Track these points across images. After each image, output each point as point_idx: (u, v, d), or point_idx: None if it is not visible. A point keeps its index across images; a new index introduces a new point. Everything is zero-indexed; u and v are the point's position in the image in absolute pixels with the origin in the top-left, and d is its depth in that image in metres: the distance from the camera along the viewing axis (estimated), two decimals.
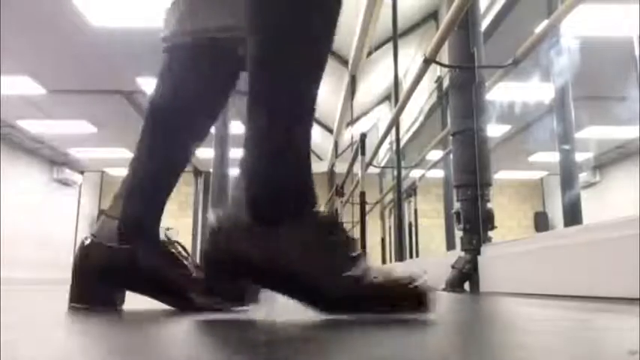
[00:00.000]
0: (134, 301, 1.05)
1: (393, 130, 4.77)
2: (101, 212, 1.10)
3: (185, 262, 1.04)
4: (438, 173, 6.56)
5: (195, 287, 1.01)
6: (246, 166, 0.82)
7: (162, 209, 1.09)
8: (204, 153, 10.57)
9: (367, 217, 4.17)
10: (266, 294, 0.84)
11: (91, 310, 0.99)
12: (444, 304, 1.28)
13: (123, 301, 1.05)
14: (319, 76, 0.83)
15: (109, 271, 1.02)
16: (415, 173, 6.45)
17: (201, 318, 0.85)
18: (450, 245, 5.39)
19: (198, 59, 1.07)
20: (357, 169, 4.22)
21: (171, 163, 1.11)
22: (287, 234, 0.78)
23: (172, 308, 1.03)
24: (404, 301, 0.77)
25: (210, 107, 1.12)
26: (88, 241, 1.05)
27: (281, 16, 0.80)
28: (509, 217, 12.45)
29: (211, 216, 0.84)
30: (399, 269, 0.82)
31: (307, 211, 0.80)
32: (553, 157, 4.27)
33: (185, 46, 1.07)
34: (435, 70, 5.46)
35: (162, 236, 1.07)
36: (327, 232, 0.79)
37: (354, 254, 0.79)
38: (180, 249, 1.07)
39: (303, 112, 0.82)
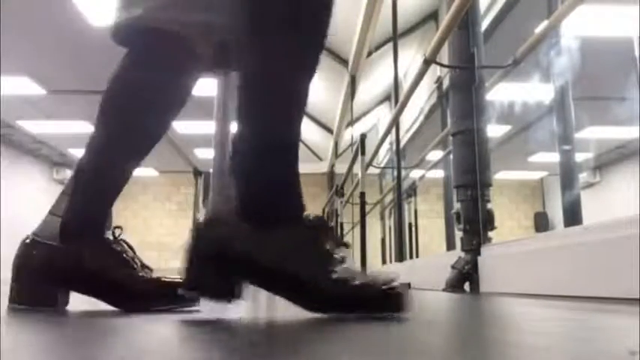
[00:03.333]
0: (78, 301, 1.04)
1: (393, 131, 4.77)
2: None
3: (132, 262, 1.02)
4: (438, 173, 6.55)
5: (144, 287, 0.99)
6: (240, 167, 0.85)
7: (110, 207, 1.07)
8: (204, 153, 10.59)
9: (367, 218, 4.17)
10: (249, 290, 0.85)
11: (31, 310, 0.97)
12: (444, 305, 1.28)
13: (67, 301, 1.02)
14: (308, 83, 0.86)
15: (51, 271, 0.99)
16: (415, 174, 6.45)
17: (184, 319, 0.85)
18: (450, 245, 5.38)
19: (169, 52, 1.04)
20: (357, 169, 4.21)
21: (121, 161, 1.08)
22: (282, 236, 0.82)
23: (119, 310, 1.01)
24: (384, 302, 0.80)
25: (165, 107, 1.09)
26: (28, 240, 1.02)
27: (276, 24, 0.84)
28: (509, 217, 12.43)
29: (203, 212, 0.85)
30: (376, 271, 0.87)
31: (298, 215, 0.84)
32: (553, 157, 4.27)
33: (155, 34, 1.04)
34: (435, 71, 5.45)
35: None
36: (316, 235, 0.83)
37: (339, 256, 0.83)
38: (126, 248, 1.04)
39: (295, 115, 0.86)
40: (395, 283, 0.81)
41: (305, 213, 0.85)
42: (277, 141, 0.84)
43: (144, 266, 1.03)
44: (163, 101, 1.08)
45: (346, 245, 0.86)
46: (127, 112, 1.05)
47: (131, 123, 1.06)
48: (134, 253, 1.05)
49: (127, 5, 1.06)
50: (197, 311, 0.98)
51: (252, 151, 0.84)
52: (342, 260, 0.83)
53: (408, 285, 0.86)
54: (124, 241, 1.05)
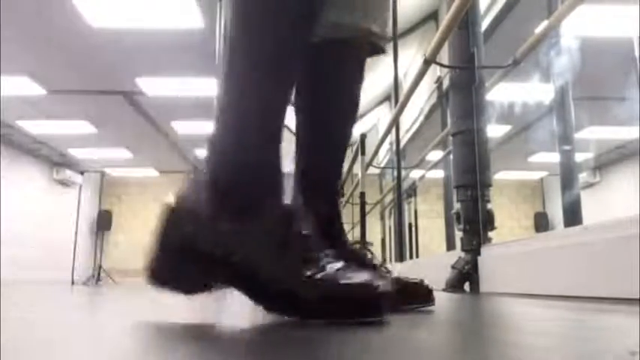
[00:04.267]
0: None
1: (393, 131, 4.77)
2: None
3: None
4: (438, 174, 6.55)
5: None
6: (212, 155, 0.81)
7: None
8: (205, 153, 10.58)
9: (367, 218, 4.17)
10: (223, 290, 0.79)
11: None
12: (444, 305, 1.28)
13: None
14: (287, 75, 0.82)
15: None
16: (415, 174, 6.45)
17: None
18: (450, 245, 5.39)
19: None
20: (357, 169, 4.21)
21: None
22: (249, 230, 0.75)
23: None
24: (366, 305, 0.72)
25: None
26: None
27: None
28: (509, 217, 12.44)
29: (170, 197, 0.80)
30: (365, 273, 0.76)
31: (271, 206, 0.77)
32: (553, 157, 4.27)
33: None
34: (435, 71, 5.45)
35: None
36: (288, 228, 0.76)
37: (316, 254, 0.75)
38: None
39: (272, 106, 0.81)
40: (380, 286, 0.72)
41: (282, 204, 0.78)
42: (247, 118, 0.80)
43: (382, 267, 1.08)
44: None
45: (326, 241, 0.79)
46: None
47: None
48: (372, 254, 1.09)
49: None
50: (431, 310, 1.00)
51: (222, 137, 0.81)
52: (325, 257, 0.75)
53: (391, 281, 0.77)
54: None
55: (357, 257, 1.02)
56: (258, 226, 0.75)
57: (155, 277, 0.79)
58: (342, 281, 0.72)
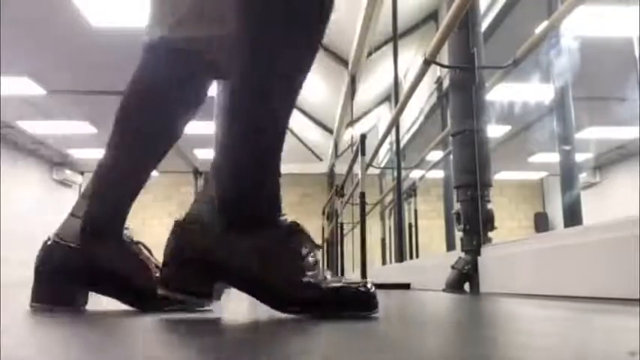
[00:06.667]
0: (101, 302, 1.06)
1: (393, 131, 4.77)
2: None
3: (148, 264, 1.05)
4: (438, 174, 6.55)
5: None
6: (219, 172, 0.87)
7: (127, 211, 1.11)
8: (204, 153, 10.59)
9: (367, 218, 4.16)
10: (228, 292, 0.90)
11: (53, 311, 0.99)
12: (444, 304, 1.28)
13: (86, 301, 1.06)
14: (292, 97, 0.87)
15: (70, 272, 1.02)
16: (415, 174, 6.45)
17: (170, 317, 0.86)
18: (450, 246, 5.38)
19: (177, 63, 1.09)
20: (357, 169, 4.21)
21: (139, 166, 1.12)
22: (255, 241, 0.84)
23: (135, 309, 1.04)
24: (354, 303, 0.83)
25: (180, 113, 1.13)
26: (50, 242, 1.05)
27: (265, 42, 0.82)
28: (509, 217, 12.44)
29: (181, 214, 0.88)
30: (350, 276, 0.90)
31: (273, 219, 0.86)
32: (553, 157, 4.27)
33: (167, 47, 1.10)
34: (435, 71, 5.45)
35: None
36: (290, 239, 0.85)
37: (312, 260, 0.86)
38: (144, 250, 1.08)
39: (281, 117, 0.86)
40: (365, 286, 0.85)
41: (282, 217, 0.87)
42: (260, 144, 0.85)
43: (159, 268, 1.05)
44: (177, 105, 1.12)
45: (318, 247, 0.88)
46: (144, 114, 1.10)
47: (147, 126, 1.10)
48: (151, 254, 1.08)
49: (152, 24, 1.16)
50: (210, 311, 0.99)
51: (232, 153, 0.86)
52: (316, 264, 0.85)
53: (376, 286, 0.90)
54: (142, 244, 1.09)
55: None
56: (269, 238, 0.85)
57: (167, 285, 0.85)
58: (337, 283, 0.84)
